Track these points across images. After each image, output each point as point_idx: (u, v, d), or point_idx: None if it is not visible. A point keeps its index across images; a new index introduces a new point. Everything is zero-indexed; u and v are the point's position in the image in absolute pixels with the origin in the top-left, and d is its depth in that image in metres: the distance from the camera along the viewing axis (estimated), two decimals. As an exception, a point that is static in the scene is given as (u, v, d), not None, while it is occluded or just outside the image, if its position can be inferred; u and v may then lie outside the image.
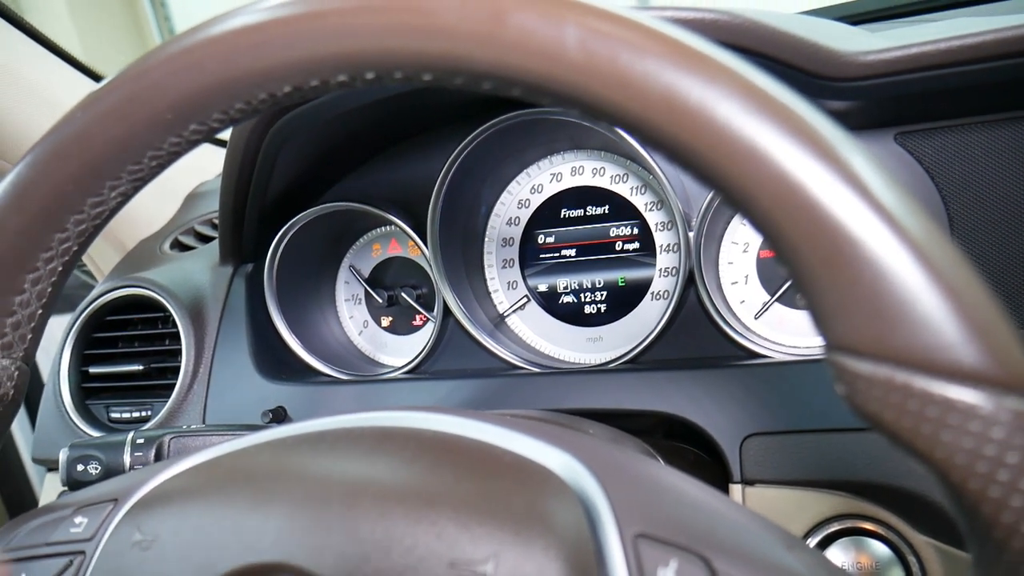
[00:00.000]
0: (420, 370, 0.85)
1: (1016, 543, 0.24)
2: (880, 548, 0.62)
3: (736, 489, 0.65)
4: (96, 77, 1.09)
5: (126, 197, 0.40)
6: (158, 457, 0.60)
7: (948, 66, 0.58)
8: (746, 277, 0.78)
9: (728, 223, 0.78)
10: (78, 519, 0.39)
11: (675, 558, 0.29)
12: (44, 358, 1.59)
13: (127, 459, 0.60)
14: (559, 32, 0.28)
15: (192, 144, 0.38)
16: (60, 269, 0.41)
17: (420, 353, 0.84)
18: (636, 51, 0.27)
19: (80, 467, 0.61)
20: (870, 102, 0.63)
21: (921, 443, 0.25)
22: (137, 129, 0.36)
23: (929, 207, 0.68)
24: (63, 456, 0.62)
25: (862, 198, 0.25)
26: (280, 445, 0.38)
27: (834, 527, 0.63)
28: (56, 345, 0.92)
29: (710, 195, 0.73)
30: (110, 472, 0.60)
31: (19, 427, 1.79)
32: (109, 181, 0.38)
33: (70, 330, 0.91)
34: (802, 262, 0.26)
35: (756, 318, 0.77)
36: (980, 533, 0.25)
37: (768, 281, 0.77)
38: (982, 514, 0.24)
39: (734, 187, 0.26)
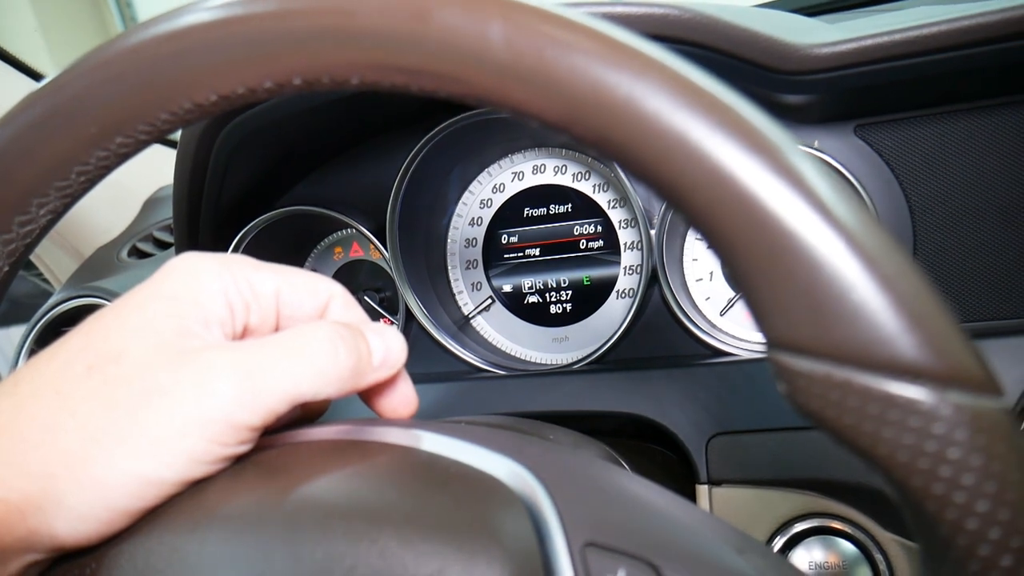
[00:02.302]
0: (385, 375, 0.84)
1: (962, 540, 0.24)
2: (847, 546, 0.62)
3: (703, 490, 0.65)
4: (36, 76, 1.07)
5: (57, 214, 0.38)
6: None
7: (903, 57, 0.57)
8: (711, 274, 0.77)
9: (691, 219, 0.77)
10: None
11: (624, 566, 0.29)
12: (4, 365, 1.56)
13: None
14: (483, 30, 0.27)
15: (122, 158, 0.36)
16: (-7, 289, 0.40)
17: (384, 358, 0.83)
18: (561, 47, 0.26)
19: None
20: (827, 95, 0.63)
21: (863, 440, 0.24)
22: (60, 145, 0.35)
23: (890, 199, 0.67)
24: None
25: (795, 190, 0.24)
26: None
27: (801, 526, 0.63)
28: (10, 358, 0.90)
29: (671, 191, 0.72)
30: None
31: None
32: (36, 199, 0.37)
33: (24, 343, 0.89)
34: (738, 258, 0.25)
35: (722, 315, 0.76)
36: (926, 530, 0.25)
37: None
38: (927, 511, 0.24)
39: (667, 183, 0.26)
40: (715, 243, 0.26)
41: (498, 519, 0.31)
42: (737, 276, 0.26)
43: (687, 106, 0.25)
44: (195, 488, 0.34)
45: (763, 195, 0.24)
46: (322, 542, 0.31)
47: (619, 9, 0.59)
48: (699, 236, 0.77)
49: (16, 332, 0.93)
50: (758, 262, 0.24)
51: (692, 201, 0.25)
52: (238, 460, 0.36)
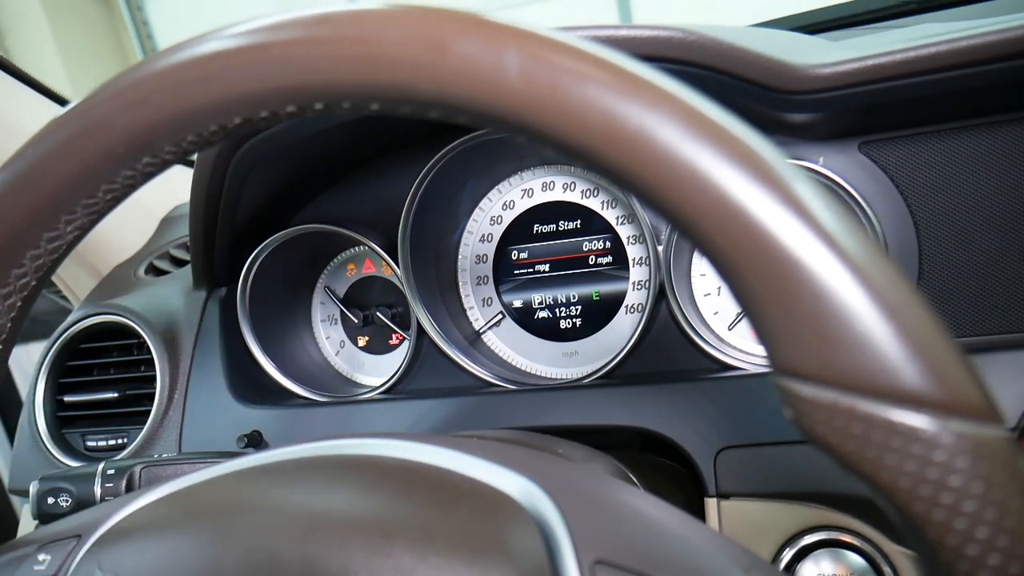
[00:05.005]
0: (396, 390, 0.85)
1: (962, 566, 0.24)
2: (855, 559, 0.62)
3: (712, 503, 0.65)
4: (61, 101, 1.09)
5: (83, 230, 0.40)
6: (129, 488, 0.60)
7: (906, 76, 0.58)
8: (719, 288, 0.78)
9: (699, 235, 0.78)
10: (41, 556, 0.39)
11: (633, 584, 0.29)
12: (24, 382, 1.58)
13: (98, 491, 0.60)
14: (499, 60, 0.28)
15: (147, 177, 0.37)
16: (19, 304, 0.41)
17: (396, 372, 0.84)
18: (574, 77, 0.27)
19: (51, 500, 0.60)
20: (831, 113, 0.64)
21: (866, 466, 0.25)
22: (89, 164, 0.36)
23: (895, 216, 0.68)
24: (33, 490, 0.61)
25: (801, 221, 0.25)
26: (240, 476, 0.37)
27: (810, 539, 0.63)
28: (31, 374, 0.91)
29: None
30: (81, 504, 0.60)
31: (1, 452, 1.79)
32: (64, 215, 0.38)
33: (44, 359, 0.90)
34: (745, 286, 0.26)
35: (730, 329, 0.77)
36: (927, 554, 0.25)
37: (740, 292, 0.77)
38: (928, 537, 0.24)
39: (676, 212, 0.26)
40: (722, 271, 0.26)
41: (510, 535, 0.32)
42: (743, 304, 0.26)
43: (696, 137, 0.26)
44: (213, 498, 0.35)
45: (770, 225, 0.25)
46: (337, 555, 0.32)
47: (624, 33, 0.60)
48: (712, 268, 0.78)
49: (35, 348, 0.94)
50: (764, 290, 0.25)
51: (700, 230, 0.26)
52: (251, 472, 0.36)
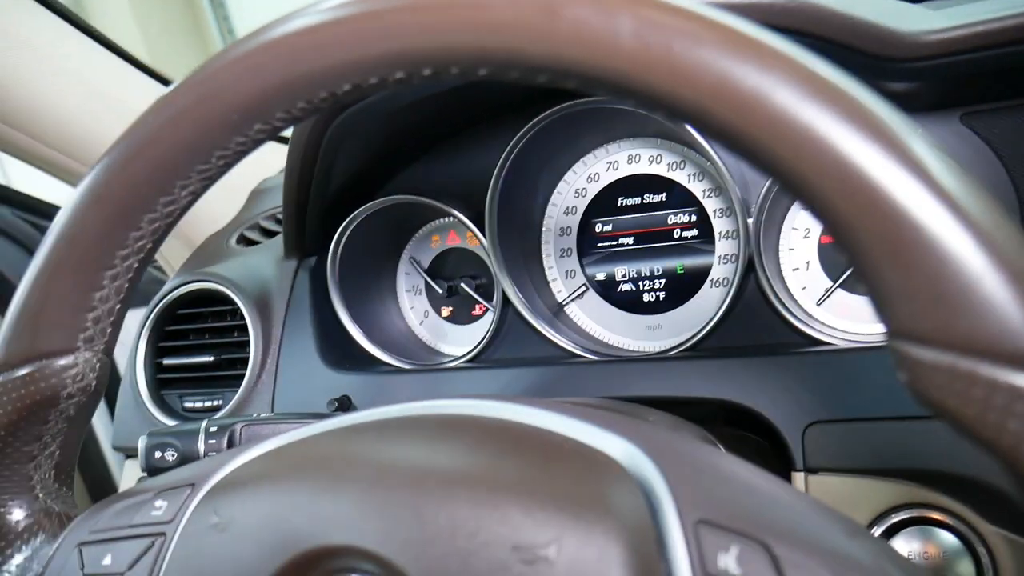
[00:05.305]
0: (480, 359, 0.86)
1: (1085, 530, 0.24)
2: (948, 538, 0.61)
3: (799, 477, 0.65)
4: (162, 80, 1.13)
5: (196, 195, 0.42)
6: (230, 444, 0.63)
7: (1012, 44, 0.56)
8: (807, 263, 0.77)
9: (788, 209, 0.77)
10: (158, 503, 0.41)
11: (736, 544, 0.30)
12: (121, 351, 1.65)
13: (201, 446, 0.63)
14: (612, 23, 0.28)
15: (257, 143, 0.39)
16: (136, 266, 0.43)
17: (480, 342, 0.85)
18: (689, 40, 0.27)
19: (158, 454, 0.64)
20: (934, 82, 0.62)
21: (987, 432, 0.25)
22: (205, 131, 0.38)
23: (998, 189, 0.66)
24: (142, 444, 0.64)
25: (922, 182, 0.25)
26: (347, 432, 0.39)
27: (899, 516, 0.62)
28: (132, 338, 0.96)
29: (769, 181, 0.72)
30: (185, 459, 0.63)
31: (97, 417, 1.87)
32: (180, 181, 0.40)
33: (144, 324, 0.95)
34: (862, 249, 0.26)
35: (818, 304, 0.76)
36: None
37: (830, 267, 0.76)
38: None
39: (792, 174, 0.26)
40: (838, 233, 0.26)
41: (613, 494, 0.32)
42: (860, 266, 0.26)
43: (813, 99, 0.26)
44: (321, 452, 0.37)
45: (890, 186, 0.25)
46: (446, 506, 0.33)
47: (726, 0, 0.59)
48: (804, 234, 0.77)
49: (132, 316, 0.98)
50: (883, 253, 0.25)
51: (817, 192, 0.26)
52: (357, 428, 0.38)
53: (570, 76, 0.30)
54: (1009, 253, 0.24)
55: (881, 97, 0.27)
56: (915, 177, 0.25)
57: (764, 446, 0.72)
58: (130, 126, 0.40)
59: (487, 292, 0.91)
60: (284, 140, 1.17)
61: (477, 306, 0.92)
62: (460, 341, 0.93)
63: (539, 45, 0.30)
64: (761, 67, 0.26)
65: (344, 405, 0.81)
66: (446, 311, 0.94)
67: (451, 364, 0.87)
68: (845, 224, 0.26)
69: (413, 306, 0.96)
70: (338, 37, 0.34)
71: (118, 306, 0.43)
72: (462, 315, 0.94)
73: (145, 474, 0.65)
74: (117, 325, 0.44)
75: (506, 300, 0.84)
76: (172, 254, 1.17)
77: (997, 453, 0.25)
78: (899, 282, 0.25)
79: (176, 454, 0.62)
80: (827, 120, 0.25)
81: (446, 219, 0.92)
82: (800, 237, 0.77)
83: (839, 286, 0.74)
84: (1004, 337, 0.24)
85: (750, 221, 0.73)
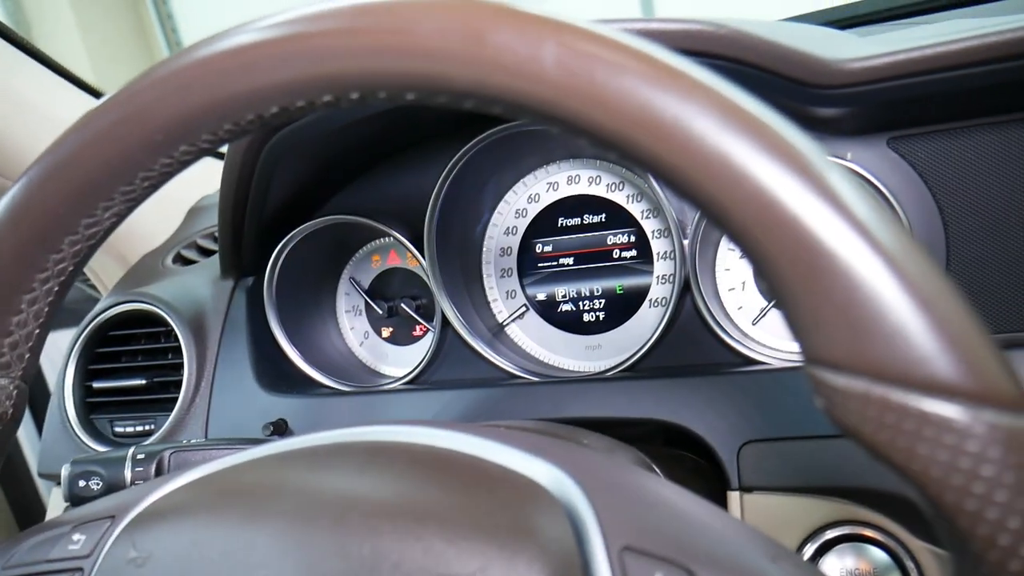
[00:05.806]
0: (420, 380, 0.86)
1: (993, 555, 0.24)
2: (879, 554, 0.62)
3: (734, 496, 0.65)
4: (96, 94, 1.10)
5: (121, 217, 0.40)
6: (158, 472, 0.61)
7: (936, 71, 0.58)
8: (743, 283, 0.78)
9: (724, 230, 0.78)
10: (76, 536, 0.40)
11: (660, 571, 0.30)
12: (51, 370, 1.60)
13: (128, 474, 0.61)
14: (537, 51, 0.28)
15: (183, 164, 0.38)
16: (56, 289, 0.41)
17: (420, 364, 0.85)
18: (612, 68, 0.27)
19: (82, 483, 0.62)
20: (860, 108, 0.64)
21: (898, 456, 0.25)
22: (128, 151, 0.37)
23: (924, 212, 0.68)
24: (64, 472, 0.62)
25: (835, 211, 0.25)
26: (272, 461, 0.38)
27: (833, 533, 0.63)
28: (60, 360, 0.93)
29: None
30: (111, 487, 0.61)
31: (27, 439, 1.81)
32: (103, 202, 0.39)
33: (73, 346, 0.92)
34: (779, 276, 0.26)
35: (754, 324, 0.77)
36: (958, 544, 0.25)
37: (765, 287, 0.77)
38: (959, 526, 0.25)
39: (710, 202, 0.27)
40: (756, 261, 0.27)
41: (539, 521, 0.32)
42: (777, 293, 0.27)
43: (731, 128, 0.26)
44: (246, 481, 0.36)
45: (804, 215, 0.25)
46: (369, 539, 0.32)
47: (655, 26, 0.60)
48: (740, 255, 0.78)
49: (63, 336, 0.95)
50: (798, 280, 0.25)
51: (734, 220, 0.26)
52: (284, 456, 0.37)
53: (496, 102, 0.30)
54: (919, 282, 0.25)
55: (798, 127, 0.27)
56: (828, 206, 0.25)
57: (702, 465, 0.72)
58: (51, 144, 0.39)
59: (428, 313, 0.90)
60: (222, 156, 1.15)
61: (418, 327, 0.92)
62: (401, 362, 0.92)
63: (465, 71, 0.30)
64: (681, 96, 0.27)
65: (280, 429, 0.79)
66: (386, 332, 0.93)
67: (390, 386, 0.86)
68: (762, 252, 0.26)
69: (353, 327, 0.95)
70: (265, 59, 0.33)
71: (37, 331, 0.42)
72: (403, 336, 0.93)
73: (69, 504, 0.63)
74: (36, 351, 0.43)
75: (446, 321, 0.83)
76: (106, 272, 1.14)
77: (908, 476, 0.25)
78: (813, 309, 0.25)
79: (101, 483, 0.60)
80: (743, 149, 0.26)
81: (386, 239, 0.92)
82: (736, 257, 0.78)
83: (774, 306, 0.76)
84: (914, 364, 0.24)
85: (686, 242, 0.74)
